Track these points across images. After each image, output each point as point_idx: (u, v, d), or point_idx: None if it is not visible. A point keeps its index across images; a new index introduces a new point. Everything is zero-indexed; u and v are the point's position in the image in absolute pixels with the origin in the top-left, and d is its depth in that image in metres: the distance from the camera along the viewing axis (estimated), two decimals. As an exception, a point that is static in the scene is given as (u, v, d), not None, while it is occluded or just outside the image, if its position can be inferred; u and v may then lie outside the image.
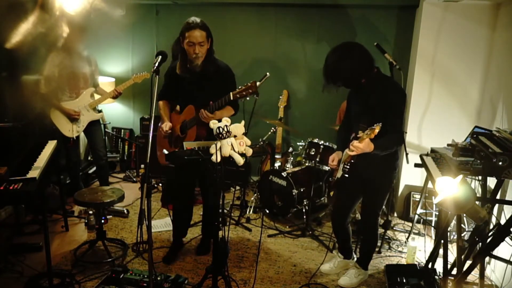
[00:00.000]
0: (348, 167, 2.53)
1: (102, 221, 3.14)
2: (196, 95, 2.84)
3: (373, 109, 2.48)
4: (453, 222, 2.87)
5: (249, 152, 2.41)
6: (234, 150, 2.34)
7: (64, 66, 3.46)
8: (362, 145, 2.30)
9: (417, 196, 3.94)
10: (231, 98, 2.63)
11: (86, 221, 3.53)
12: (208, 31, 2.72)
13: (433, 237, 3.55)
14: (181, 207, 3.17)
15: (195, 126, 2.82)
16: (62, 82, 3.67)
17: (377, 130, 2.24)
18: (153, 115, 2.16)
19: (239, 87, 2.63)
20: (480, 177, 2.78)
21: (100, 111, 3.98)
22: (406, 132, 3.65)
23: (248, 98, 2.64)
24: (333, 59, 2.45)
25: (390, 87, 2.51)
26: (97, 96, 3.94)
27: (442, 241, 2.65)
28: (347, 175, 2.55)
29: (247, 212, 4.00)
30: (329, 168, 3.92)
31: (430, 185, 3.20)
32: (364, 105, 2.56)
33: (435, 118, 3.84)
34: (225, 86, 2.79)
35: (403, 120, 2.60)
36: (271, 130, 4.35)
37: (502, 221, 2.67)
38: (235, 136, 2.35)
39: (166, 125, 2.91)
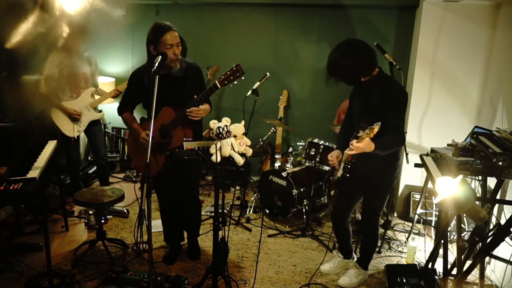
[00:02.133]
0: (348, 166, 2.53)
1: (102, 221, 3.14)
2: (169, 97, 2.66)
3: (374, 108, 2.48)
4: (453, 222, 2.87)
5: (249, 152, 2.41)
6: (234, 150, 2.34)
7: (65, 66, 3.46)
8: (361, 144, 2.30)
9: (417, 196, 3.94)
10: (219, 86, 2.55)
11: (86, 221, 3.53)
12: (177, 32, 2.65)
13: (433, 237, 3.55)
14: (167, 209, 3.11)
15: (180, 127, 2.69)
16: (62, 82, 3.67)
17: (376, 130, 2.24)
18: (153, 115, 2.16)
19: (223, 73, 2.56)
20: (480, 177, 2.78)
21: (100, 111, 3.98)
22: (406, 132, 3.65)
23: (236, 82, 2.56)
24: (336, 55, 2.45)
25: (392, 86, 2.51)
26: (97, 96, 3.94)
27: (442, 241, 2.65)
28: (347, 175, 2.55)
29: (247, 212, 4.00)
30: (329, 168, 3.93)
31: (430, 185, 3.21)
32: (365, 104, 2.56)
33: (435, 118, 3.84)
34: (196, 83, 2.75)
35: (404, 120, 2.60)
36: (271, 130, 4.35)
37: (502, 221, 2.67)
38: (235, 136, 2.36)
39: (145, 134, 2.74)
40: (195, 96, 2.61)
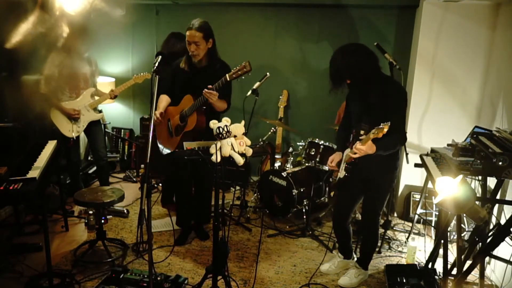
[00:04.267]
0: (350, 167, 2.52)
1: (102, 221, 3.14)
2: (194, 89, 2.99)
3: (374, 108, 2.48)
4: (453, 222, 2.88)
5: (249, 152, 2.41)
6: (234, 150, 2.34)
7: (64, 66, 3.46)
8: (365, 147, 2.30)
9: (417, 196, 3.94)
10: (228, 79, 2.81)
11: (86, 221, 3.53)
12: (205, 32, 2.93)
13: (433, 237, 3.55)
14: (184, 196, 3.40)
15: (195, 113, 2.96)
16: (62, 82, 3.66)
17: (385, 130, 2.18)
18: (153, 115, 2.17)
19: (234, 69, 2.80)
20: (480, 177, 2.78)
21: (100, 111, 3.98)
22: (406, 132, 3.65)
23: (243, 77, 2.79)
24: (342, 58, 2.40)
25: (392, 86, 2.51)
26: (97, 97, 3.93)
27: (442, 241, 2.66)
28: (348, 175, 2.55)
29: (247, 212, 4.01)
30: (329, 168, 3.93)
31: (430, 185, 3.20)
32: (365, 105, 2.55)
33: (435, 118, 3.84)
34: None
35: (405, 119, 2.60)
36: (271, 130, 4.35)
37: (502, 221, 2.67)
38: (235, 136, 2.36)
39: (159, 113, 3.08)
40: (209, 85, 2.85)
